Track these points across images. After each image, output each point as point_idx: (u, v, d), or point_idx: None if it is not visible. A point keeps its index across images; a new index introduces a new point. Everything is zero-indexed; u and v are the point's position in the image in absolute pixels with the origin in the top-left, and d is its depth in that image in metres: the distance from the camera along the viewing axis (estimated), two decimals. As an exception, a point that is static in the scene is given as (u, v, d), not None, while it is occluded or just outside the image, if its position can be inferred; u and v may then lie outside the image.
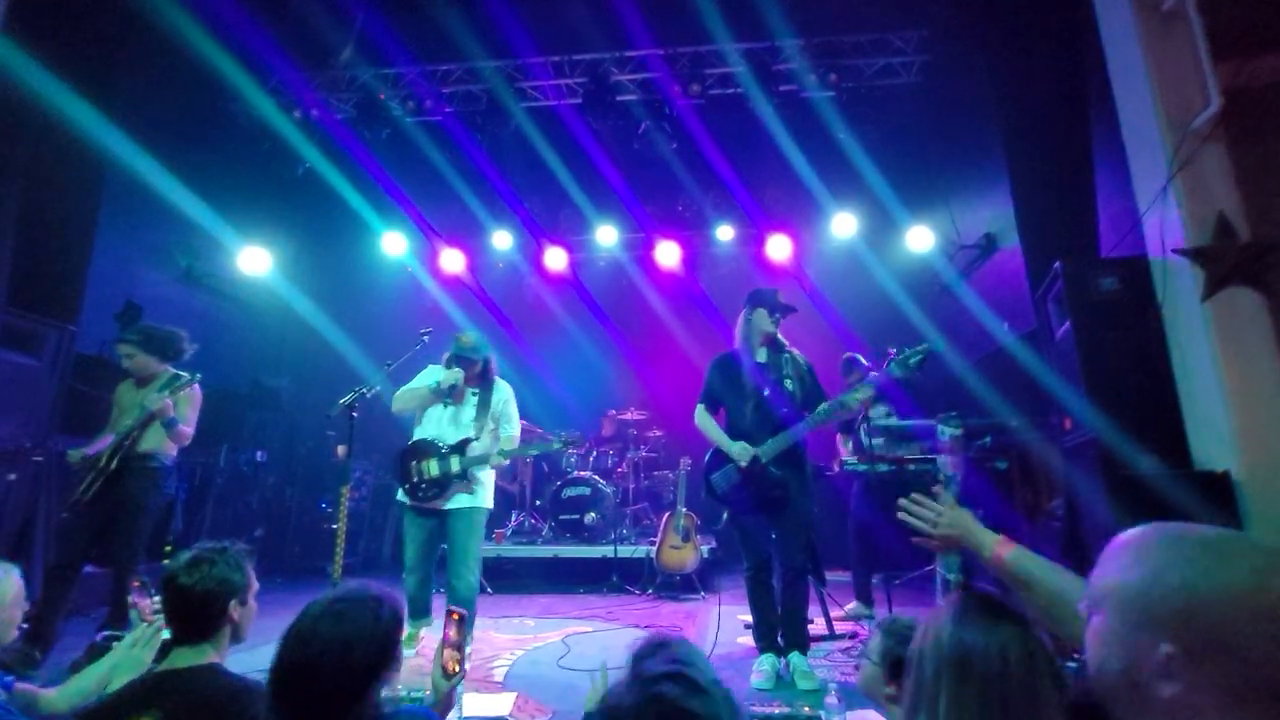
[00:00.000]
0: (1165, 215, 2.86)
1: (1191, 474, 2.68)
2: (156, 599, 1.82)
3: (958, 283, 5.67)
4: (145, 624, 1.82)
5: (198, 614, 1.53)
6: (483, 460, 3.42)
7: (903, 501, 1.46)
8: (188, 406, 3.60)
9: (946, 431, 3.96)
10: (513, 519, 6.34)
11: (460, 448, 3.44)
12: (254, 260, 6.43)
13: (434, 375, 3.57)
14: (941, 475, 3.44)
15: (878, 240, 6.70)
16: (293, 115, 6.18)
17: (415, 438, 3.53)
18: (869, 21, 5.62)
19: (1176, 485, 2.56)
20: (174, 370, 3.64)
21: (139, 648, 1.77)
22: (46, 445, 4.11)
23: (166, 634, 1.73)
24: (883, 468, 3.99)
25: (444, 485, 3.39)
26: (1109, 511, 2.82)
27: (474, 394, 3.59)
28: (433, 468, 3.41)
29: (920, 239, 6.11)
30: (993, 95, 4.54)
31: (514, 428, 3.65)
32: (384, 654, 1.28)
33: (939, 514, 1.37)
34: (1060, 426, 3.62)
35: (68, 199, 4.93)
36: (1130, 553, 0.74)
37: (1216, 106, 2.67)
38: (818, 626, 3.71)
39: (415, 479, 3.41)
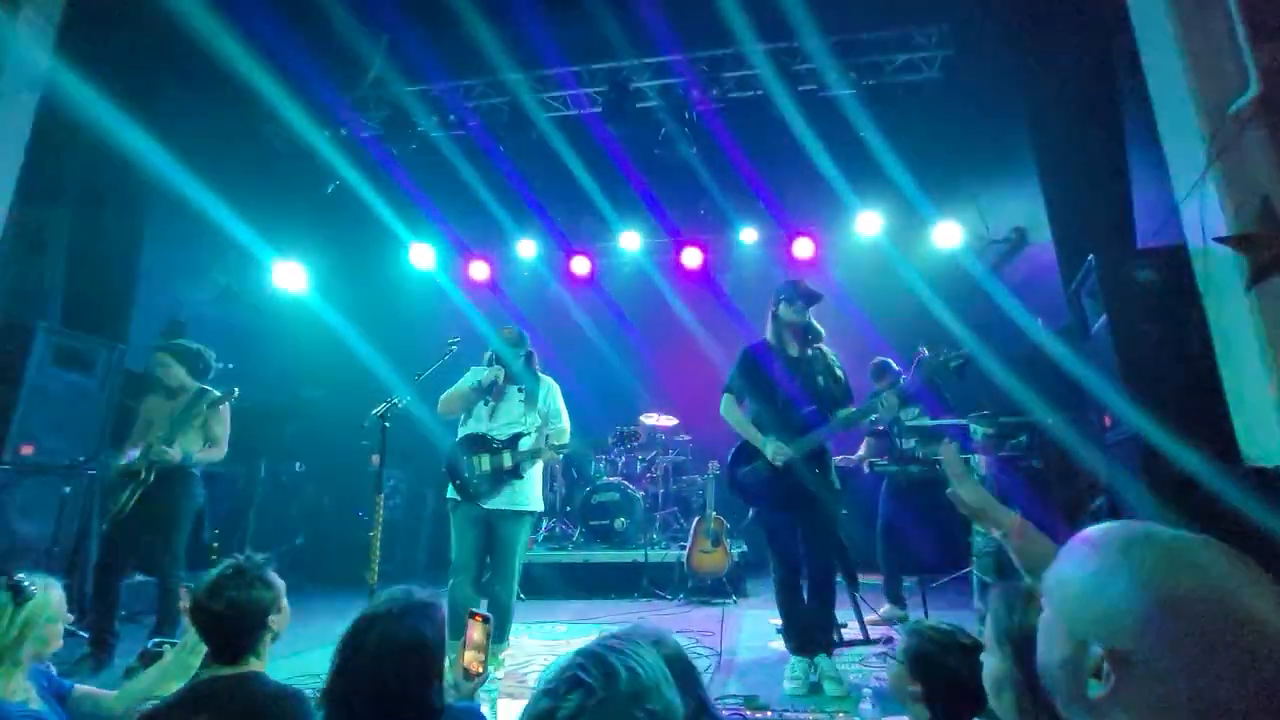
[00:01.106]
0: (1204, 202, 2.77)
1: (1240, 470, 2.58)
2: None
3: (988, 278, 5.56)
4: (195, 630, 1.89)
5: (234, 635, 1.55)
6: (535, 454, 3.38)
7: (943, 449, 1.45)
8: (219, 424, 3.71)
9: (979, 431, 3.88)
10: (543, 525, 6.40)
11: (512, 442, 3.40)
12: (289, 276, 6.63)
13: (476, 376, 3.56)
14: (975, 475, 3.39)
15: (903, 238, 6.61)
16: (324, 134, 6.37)
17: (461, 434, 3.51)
18: (889, 18, 5.56)
19: (1224, 482, 2.47)
20: (200, 385, 3.75)
21: (188, 651, 1.84)
22: (99, 459, 4.30)
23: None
24: (914, 469, 3.92)
25: (496, 480, 3.34)
26: (1154, 510, 2.74)
27: (519, 390, 3.54)
28: (484, 462, 3.36)
29: (947, 235, 6.01)
30: (1019, 86, 4.46)
31: (564, 421, 3.60)
32: (438, 657, 1.32)
33: (968, 476, 1.35)
34: (1100, 424, 3.52)
35: (116, 221, 5.16)
36: (1085, 549, 0.73)
37: (1257, 89, 2.58)
38: (852, 630, 3.67)
39: (466, 473, 3.36)
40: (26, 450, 4.01)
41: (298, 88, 5.77)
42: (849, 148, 6.07)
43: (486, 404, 3.51)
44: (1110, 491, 3.37)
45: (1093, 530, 0.75)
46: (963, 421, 3.86)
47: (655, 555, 5.46)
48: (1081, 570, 0.71)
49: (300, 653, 3.51)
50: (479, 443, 3.41)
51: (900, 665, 1.51)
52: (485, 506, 3.33)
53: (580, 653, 0.83)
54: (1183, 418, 2.72)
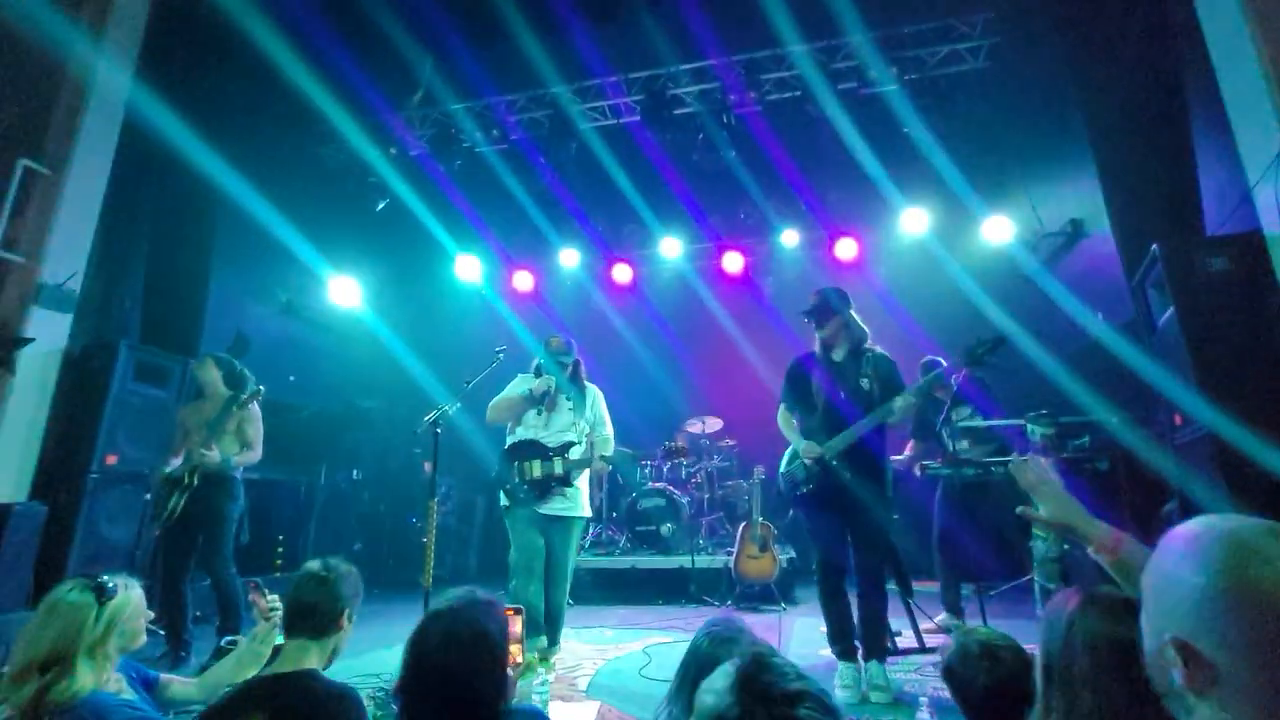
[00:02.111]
0: (1280, 186, 2.61)
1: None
2: (272, 598, 2.03)
3: (1042, 273, 5.34)
4: (264, 621, 2.01)
5: (311, 616, 1.68)
6: (585, 463, 3.43)
7: (1012, 463, 1.39)
8: (250, 426, 3.89)
9: (1038, 431, 3.74)
10: (591, 531, 6.45)
11: (563, 450, 3.44)
12: (344, 291, 6.93)
13: (525, 384, 3.63)
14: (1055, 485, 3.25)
15: (951, 235, 6.42)
16: (378, 153, 6.63)
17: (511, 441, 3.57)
18: (930, 10, 5.44)
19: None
20: (231, 392, 3.94)
21: (258, 642, 1.96)
22: (155, 471, 4.57)
23: (280, 639, 1.91)
24: (968, 471, 3.79)
25: (545, 487, 3.38)
26: (1233, 513, 2.57)
27: (567, 399, 3.60)
28: (535, 469, 3.40)
29: (998, 230, 5.80)
30: (1071, 72, 4.29)
31: (608, 429, 3.65)
32: (500, 651, 1.38)
33: (1047, 484, 1.28)
34: (1169, 423, 3.33)
35: (188, 240, 5.52)
36: (1166, 545, 0.75)
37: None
38: (906, 639, 3.56)
39: (517, 479, 3.41)
40: (111, 460, 4.31)
41: (356, 110, 6.08)
42: (892, 145, 5.95)
43: (540, 413, 3.57)
44: (1182, 494, 3.18)
45: (1183, 527, 0.76)
46: (1018, 422, 3.71)
47: (702, 561, 5.43)
48: (1161, 566, 0.73)
49: (360, 654, 3.64)
50: (531, 449, 3.46)
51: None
52: (539, 511, 3.39)
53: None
54: (1261, 414, 2.56)
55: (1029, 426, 3.56)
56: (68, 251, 4.53)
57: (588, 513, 3.56)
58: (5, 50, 4.40)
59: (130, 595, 1.78)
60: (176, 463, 3.74)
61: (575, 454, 3.45)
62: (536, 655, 3.24)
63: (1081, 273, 4.85)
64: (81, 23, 4.72)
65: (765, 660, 0.80)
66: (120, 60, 4.88)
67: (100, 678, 1.63)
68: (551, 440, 3.48)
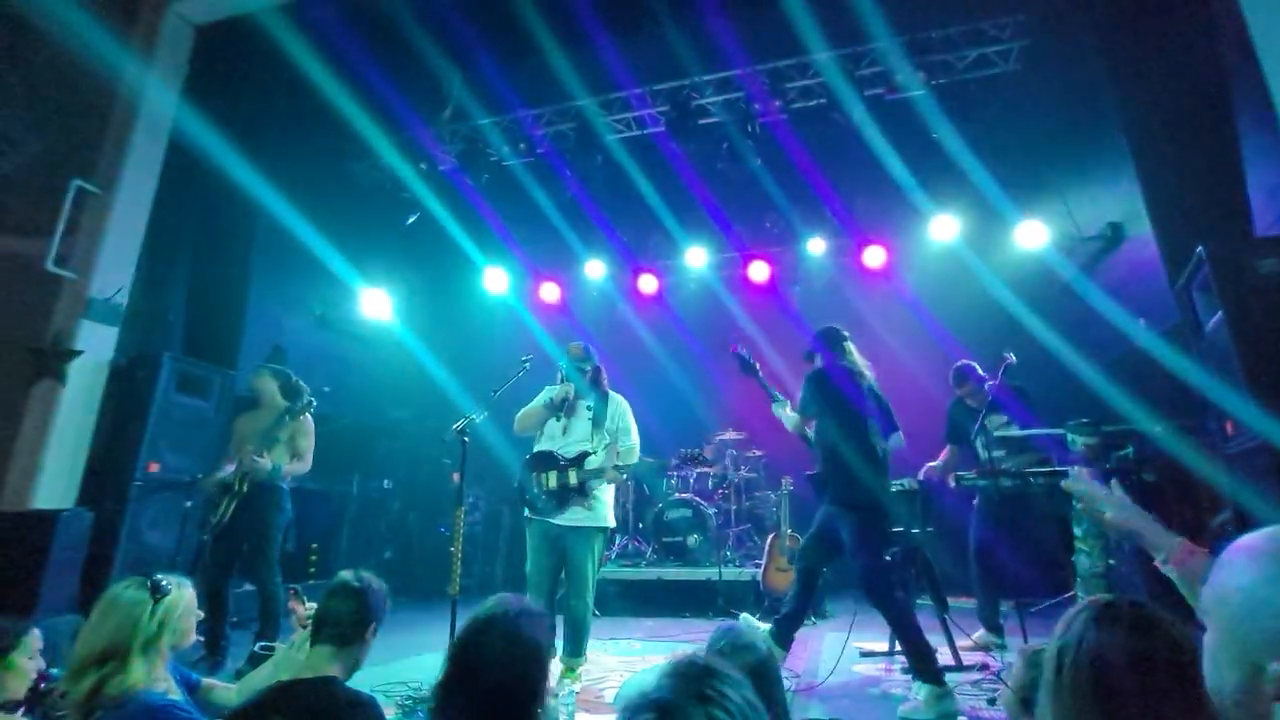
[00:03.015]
0: (1334, 183, 2.49)
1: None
2: (310, 606, 2.07)
3: (1079, 279, 5.19)
4: (301, 629, 2.05)
5: (338, 625, 1.72)
6: (600, 473, 3.37)
7: (1070, 478, 1.31)
8: (303, 437, 3.97)
9: (1079, 440, 3.61)
10: (616, 542, 6.43)
11: (578, 460, 3.39)
12: (376, 304, 7.08)
13: (550, 393, 3.62)
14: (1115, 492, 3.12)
15: (982, 241, 6.29)
16: (410, 169, 6.80)
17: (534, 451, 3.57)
18: (957, 14, 5.38)
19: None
20: (287, 404, 4.02)
21: (297, 649, 2.00)
22: (204, 476, 4.71)
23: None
24: (1005, 482, 3.67)
25: (562, 499, 3.35)
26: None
27: (588, 407, 3.56)
28: (551, 480, 3.39)
29: (1032, 235, 5.66)
30: (1108, 71, 4.18)
31: (634, 439, 3.57)
32: (547, 663, 1.38)
33: (1110, 495, 1.21)
34: (1220, 432, 3.19)
35: (228, 255, 5.72)
36: (1243, 560, 0.66)
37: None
38: (943, 656, 3.45)
39: (535, 489, 3.40)
40: (154, 468, 4.45)
41: (388, 127, 6.26)
42: (920, 150, 5.87)
43: (559, 419, 3.56)
44: (1236, 506, 3.03)
45: (1248, 539, 0.68)
46: (1058, 431, 3.58)
47: (729, 573, 5.36)
48: (1243, 584, 0.64)
49: (386, 662, 3.67)
50: (547, 460, 3.45)
51: (1012, 695, 1.48)
52: (555, 523, 3.36)
53: (655, 699, 0.73)
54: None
55: (1070, 436, 3.43)
56: (115, 267, 4.73)
57: (610, 523, 3.49)
58: (62, 77, 4.64)
59: (183, 594, 1.83)
60: (229, 469, 3.83)
61: (593, 463, 3.39)
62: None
63: (1121, 277, 4.69)
64: (132, 48, 4.95)
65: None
66: (167, 82, 5.11)
67: (152, 675, 1.66)
68: (568, 450, 3.46)
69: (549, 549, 3.37)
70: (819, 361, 3.44)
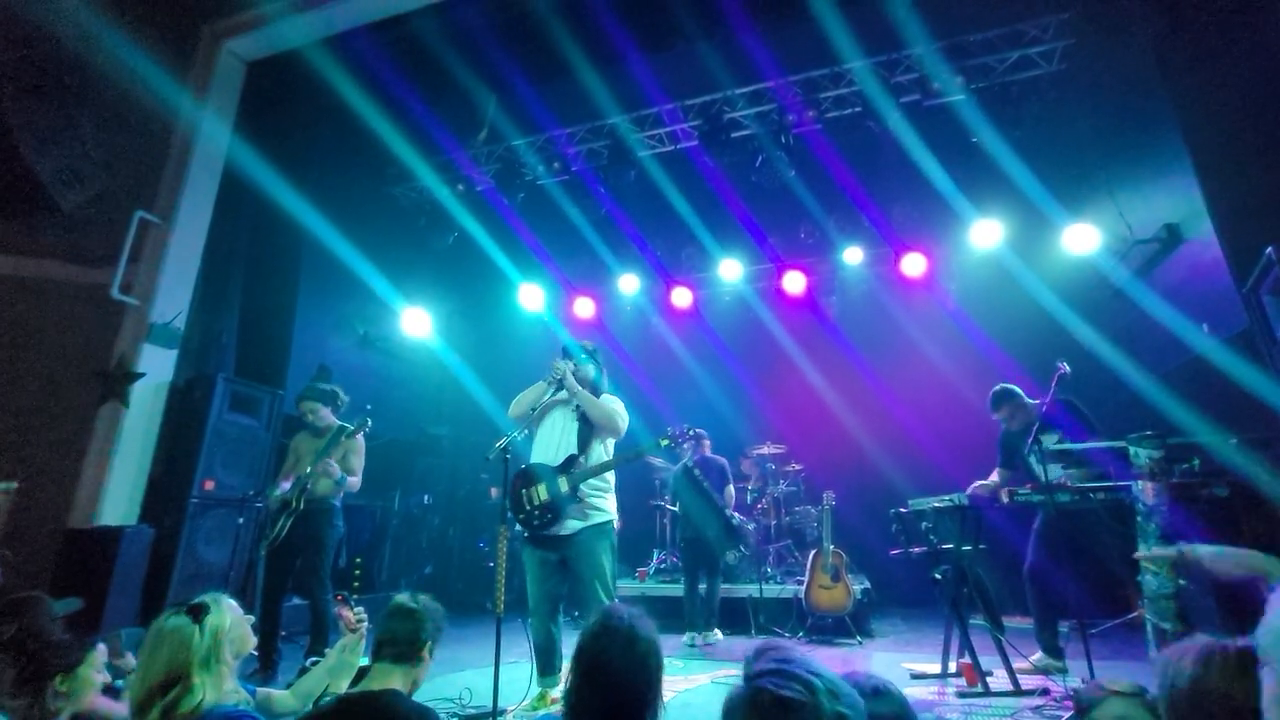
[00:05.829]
0: None
1: None
2: (358, 610, 2.14)
3: (1133, 284, 4.96)
4: (350, 633, 2.10)
5: (395, 644, 1.80)
6: (590, 474, 3.19)
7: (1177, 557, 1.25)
8: (355, 456, 4.06)
9: (1143, 454, 3.42)
10: (654, 558, 6.38)
11: (566, 466, 3.21)
12: (416, 323, 7.26)
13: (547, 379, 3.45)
14: (1139, 506, 2.97)
15: (1027, 246, 6.09)
16: (447, 190, 6.98)
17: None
18: (996, 16, 5.27)
19: None
20: (340, 422, 4.15)
21: (348, 653, 2.05)
22: (265, 493, 4.87)
23: (364, 660, 1.99)
24: (1063, 497, 3.51)
25: (557, 510, 3.13)
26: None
27: (574, 410, 3.39)
28: (542, 492, 3.17)
29: (1081, 239, 5.45)
30: (1160, 66, 4.01)
31: (619, 407, 3.38)
32: (661, 657, 1.44)
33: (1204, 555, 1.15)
34: (1295, 444, 3.00)
35: (276, 278, 5.95)
36: None
37: None
38: (999, 680, 3.31)
39: (527, 507, 3.18)
40: (209, 486, 4.62)
41: (426, 151, 6.46)
42: (960, 156, 5.75)
43: (546, 418, 3.42)
44: (1318, 524, 2.84)
45: None
46: (1119, 444, 3.41)
47: (770, 590, 5.26)
48: None
49: (432, 677, 3.70)
50: (534, 472, 3.26)
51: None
52: (553, 534, 3.17)
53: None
54: None
55: (1133, 449, 3.25)
56: (174, 292, 4.97)
57: (612, 516, 3.28)
58: (126, 116, 4.93)
59: (222, 607, 1.87)
60: (286, 486, 3.95)
61: (590, 461, 3.25)
62: (549, 697, 3.10)
63: (1180, 282, 4.47)
64: (188, 85, 5.24)
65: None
66: (221, 116, 5.38)
67: (221, 689, 1.69)
68: (554, 459, 3.27)
69: (546, 571, 3.20)
70: None
